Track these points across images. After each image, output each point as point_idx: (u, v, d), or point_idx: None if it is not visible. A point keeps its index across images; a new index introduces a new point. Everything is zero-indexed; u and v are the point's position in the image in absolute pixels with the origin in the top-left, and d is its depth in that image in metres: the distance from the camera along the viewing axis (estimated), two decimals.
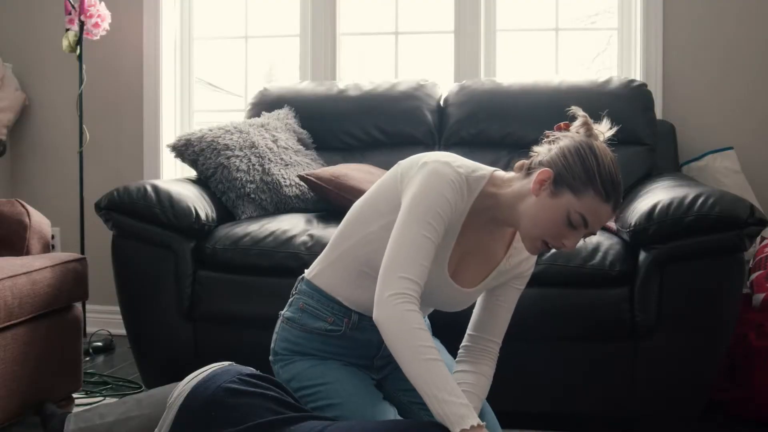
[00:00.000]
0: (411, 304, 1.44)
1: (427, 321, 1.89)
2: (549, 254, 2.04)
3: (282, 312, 1.74)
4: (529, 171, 1.54)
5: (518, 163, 1.58)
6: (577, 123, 1.57)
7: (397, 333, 1.43)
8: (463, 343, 1.69)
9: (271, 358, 1.73)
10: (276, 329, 1.74)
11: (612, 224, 2.26)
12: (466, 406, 1.38)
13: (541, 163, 1.53)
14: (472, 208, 1.57)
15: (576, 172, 1.48)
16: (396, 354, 1.44)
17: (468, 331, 1.69)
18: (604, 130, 1.57)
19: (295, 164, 2.65)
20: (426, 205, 1.49)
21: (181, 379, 1.62)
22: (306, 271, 1.75)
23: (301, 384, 1.66)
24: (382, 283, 1.47)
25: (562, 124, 1.60)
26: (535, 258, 1.69)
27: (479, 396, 1.62)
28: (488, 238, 1.63)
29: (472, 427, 1.35)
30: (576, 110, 1.57)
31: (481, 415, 1.63)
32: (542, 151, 1.55)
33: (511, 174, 1.59)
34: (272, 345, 1.73)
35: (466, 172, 1.54)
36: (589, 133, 1.54)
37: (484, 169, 1.59)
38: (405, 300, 1.44)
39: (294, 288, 1.75)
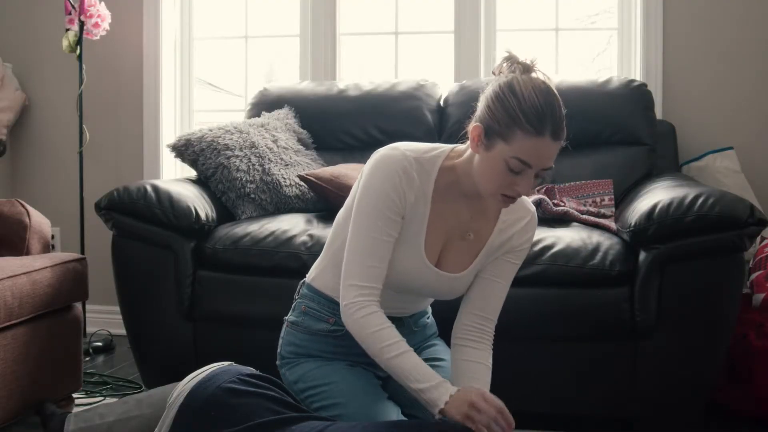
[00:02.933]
0: (364, 309, 1.50)
1: (431, 319, 1.89)
2: (549, 254, 2.04)
3: (286, 317, 1.76)
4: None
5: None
6: (498, 63, 1.53)
7: (361, 340, 1.52)
8: (457, 322, 1.68)
9: (278, 362, 1.75)
10: (281, 334, 1.77)
11: (612, 224, 2.26)
12: (437, 386, 1.44)
13: (475, 119, 1.51)
14: (437, 187, 1.57)
15: (499, 118, 1.43)
16: (370, 356, 1.52)
17: (462, 309, 1.69)
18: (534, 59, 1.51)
19: (295, 164, 2.65)
20: (369, 205, 1.53)
21: (181, 379, 1.63)
22: (306, 275, 1.78)
23: (306, 384, 1.67)
24: (341, 291, 1.54)
25: (494, 68, 1.55)
26: (532, 233, 1.67)
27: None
28: (469, 218, 1.63)
29: (446, 402, 1.43)
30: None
31: None
32: (479, 105, 1.52)
33: (468, 143, 1.56)
34: (278, 350, 1.76)
35: (416, 154, 1.55)
36: (513, 68, 1.49)
37: (442, 147, 1.59)
38: (358, 307, 1.50)
39: (296, 293, 1.79)
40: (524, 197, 1.66)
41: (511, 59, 1.50)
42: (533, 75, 1.48)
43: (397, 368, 1.48)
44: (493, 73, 1.54)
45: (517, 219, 1.65)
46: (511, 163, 1.44)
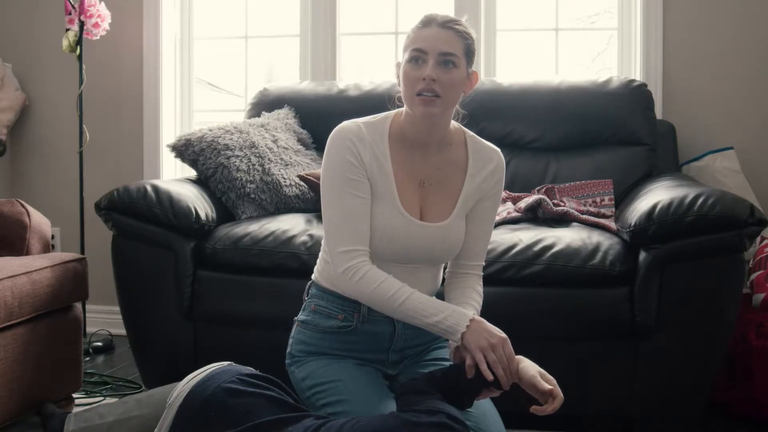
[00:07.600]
0: (359, 272, 1.58)
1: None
2: (549, 254, 2.04)
3: (296, 317, 1.77)
4: None
5: None
6: None
7: (366, 300, 1.61)
8: (447, 271, 1.78)
9: (287, 361, 1.76)
10: (291, 334, 1.78)
11: (612, 224, 2.26)
12: (452, 313, 1.55)
13: None
14: (393, 144, 1.66)
15: (404, 44, 1.67)
16: (381, 312, 1.61)
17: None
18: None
19: (295, 164, 2.65)
20: (331, 174, 1.64)
21: (181, 379, 1.63)
22: (312, 275, 1.79)
23: (314, 381, 1.68)
24: (332, 262, 1.61)
25: None
26: (500, 174, 1.74)
27: (474, 306, 1.68)
28: (436, 169, 1.70)
29: (468, 326, 1.53)
30: None
31: (485, 416, 1.64)
32: None
33: None
34: (288, 350, 1.77)
35: (365, 120, 1.68)
36: None
37: (390, 112, 1.72)
38: (353, 272, 1.58)
39: (305, 293, 1.80)
40: (488, 144, 1.76)
41: None
42: None
43: (409, 312, 1.56)
44: None
45: (485, 163, 1.73)
46: (411, 57, 1.61)
